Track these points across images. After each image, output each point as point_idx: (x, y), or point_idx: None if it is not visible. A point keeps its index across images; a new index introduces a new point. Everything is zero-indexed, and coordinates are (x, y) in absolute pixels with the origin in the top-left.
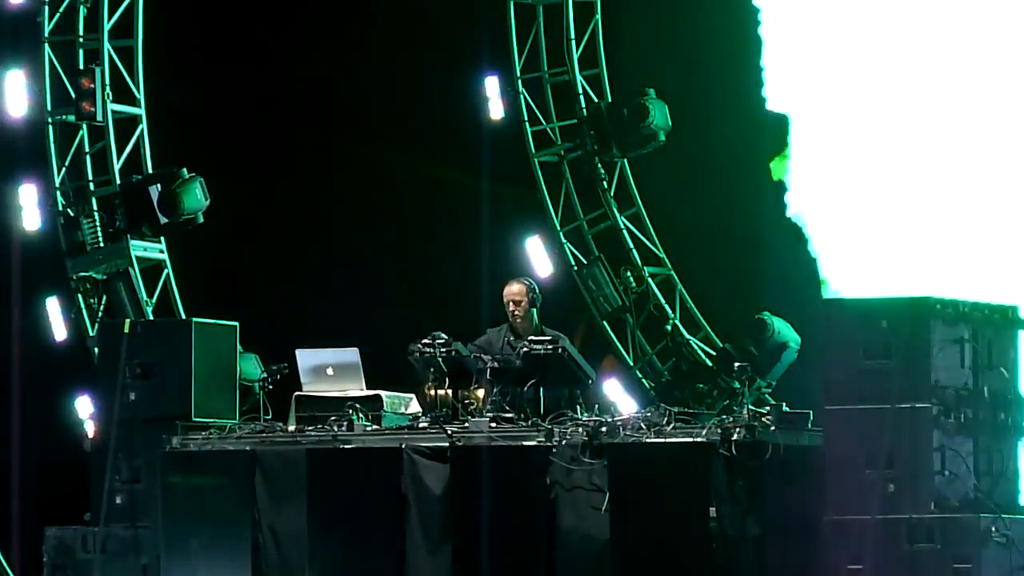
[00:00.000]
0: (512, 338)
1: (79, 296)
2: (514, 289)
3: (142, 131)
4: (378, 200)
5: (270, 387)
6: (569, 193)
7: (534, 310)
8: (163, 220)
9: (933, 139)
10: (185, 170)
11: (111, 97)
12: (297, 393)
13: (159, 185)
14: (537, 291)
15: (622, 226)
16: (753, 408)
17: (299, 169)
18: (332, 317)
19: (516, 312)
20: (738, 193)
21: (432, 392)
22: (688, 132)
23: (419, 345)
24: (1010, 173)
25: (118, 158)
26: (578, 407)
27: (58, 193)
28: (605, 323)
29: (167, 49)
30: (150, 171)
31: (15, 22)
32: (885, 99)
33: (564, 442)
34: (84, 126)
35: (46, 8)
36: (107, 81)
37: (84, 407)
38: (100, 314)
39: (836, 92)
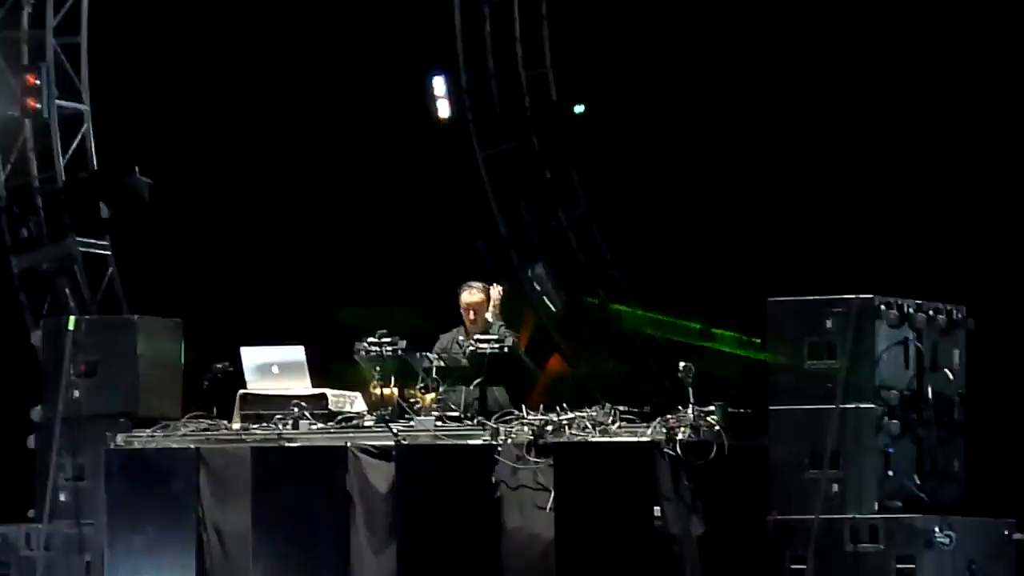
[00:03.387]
0: (462, 338)
1: (23, 293)
2: (474, 299)
3: (88, 128)
4: (323, 199)
5: (215, 385)
6: (515, 193)
7: (488, 315)
8: (106, 217)
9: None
10: (137, 168)
11: (56, 94)
12: (242, 391)
13: (104, 183)
14: (494, 294)
15: (567, 226)
16: (698, 408)
17: (245, 168)
18: (277, 315)
19: (473, 320)
20: (685, 193)
21: (377, 391)
22: (632, 131)
23: (365, 343)
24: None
25: (63, 155)
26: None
27: (3, 189)
28: (550, 324)
29: (113, 46)
30: (95, 168)
31: None
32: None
33: (510, 441)
34: (29, 122)
35: None
36: (52, 77)
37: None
38: (45, 311)
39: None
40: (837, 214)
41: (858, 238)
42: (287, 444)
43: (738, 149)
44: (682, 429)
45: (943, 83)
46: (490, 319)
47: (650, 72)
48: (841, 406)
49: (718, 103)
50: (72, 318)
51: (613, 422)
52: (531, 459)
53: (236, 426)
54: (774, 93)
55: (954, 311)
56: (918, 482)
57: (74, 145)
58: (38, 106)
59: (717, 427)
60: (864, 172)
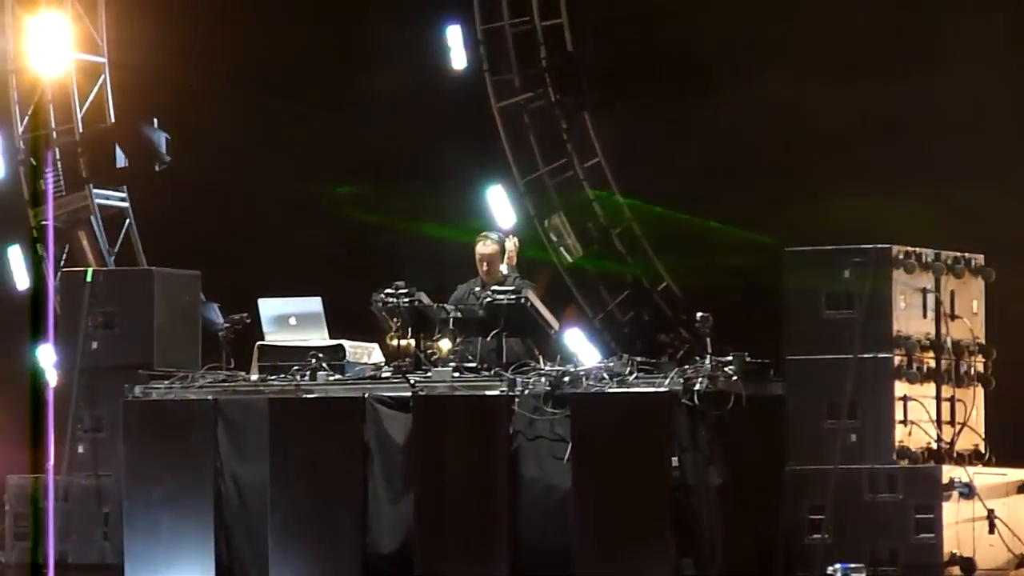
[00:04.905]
0: (479, 288)
1: (40, 245)
2: (488, 251)
3: (105, 80)
4: (341, 149)
5: (232, 336)
6: (530, 143)
7: (503, 267)
8: (123, 168)
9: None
10: (156, 121)
11: (75, 46)
12: (260, 342)
13: (122, 134)
14: (509, 246)
15: (583, 177)
16: (716, 358)
17: (263, 119)
18: (295, 266)
19: (487, 271)
20: (699, 143)
21: (395, 342)
22: (647, 80)
23: (382, 295)
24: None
25: (81, 107)
26: (539, 357)
27: (21, 142)
28: (567, 274)
29: None
30: (113, 120)
31: None
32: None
33: (527, 392)
34: (48, 74)
35: None
36: (71, 29)
37: (47, 356)
38: (62, 263)
39: None
40: (855, 166)
41: (876, 187)
42: (305, 395)
43: (755, 99)
44: (700, 379)
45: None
46: (505, 271)
47: (664, 22)
48: (859, 355)
49: (733, 52)
50: (90, 270)
51: (630, 373)
52: (548, 410)
53: (254, 377)
54: (788, 41)
55: (972, 260)
56: (936, 431)
57: (91, 97)
58: (57, 58)
59: (735, 377)
60: (882, 120)
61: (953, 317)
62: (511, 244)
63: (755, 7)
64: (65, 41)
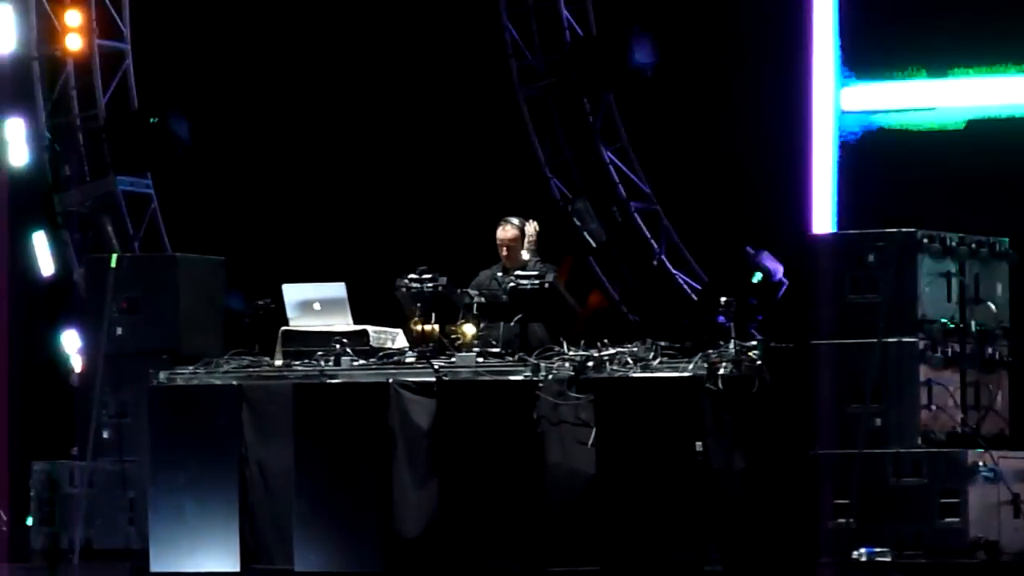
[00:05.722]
0: (501, 274)
1: (65, 231)
2: (508, 236)
3: (129, 66)
4: (364, 135)
5: (257, 322)
6: (555, 128)
7: (524, 252)
8: (148, 155)
9: None
10: (179, 107)
11: (98, 32)
12: (284, 328)
13: (146, 120)
14: (529, 230)
15: (608, 160)
16: (740, 343)
17: (287, 104)
18: (319, 251)
19: (507, 255)
20: (725, 126)
21: (419, 327)
22: (676, 65)
23: (406, 280)
24: None
25: (105, 93)
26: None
27: (45, 128)
28: (591, 258)
29: None
30: (137, 106)
31: None
32: None
33: (551, 377)
34: (71, 60)
35: None
36: (94, 15)
37: (71, 342)
38: (87, 249)
39: None
40: (877, 146)
41: (894, 172)
42: (329, 381)
43: (777, 80)
44: (724, 364)
45: None
46: (525, 256)
47: (688, 5)
48: (883, 340)
49: (756, 34)
50: (114, 256)
51: (654, 357)
52: (572, 395)
53: (278, 363)
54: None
55: (997, 244)
56: (961, 415)
57: (114, 84)
58: (79, 44)
59: (759, 362)
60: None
61: (978, 301)
62: (531, 228)
63: None
64: (88, 27)
